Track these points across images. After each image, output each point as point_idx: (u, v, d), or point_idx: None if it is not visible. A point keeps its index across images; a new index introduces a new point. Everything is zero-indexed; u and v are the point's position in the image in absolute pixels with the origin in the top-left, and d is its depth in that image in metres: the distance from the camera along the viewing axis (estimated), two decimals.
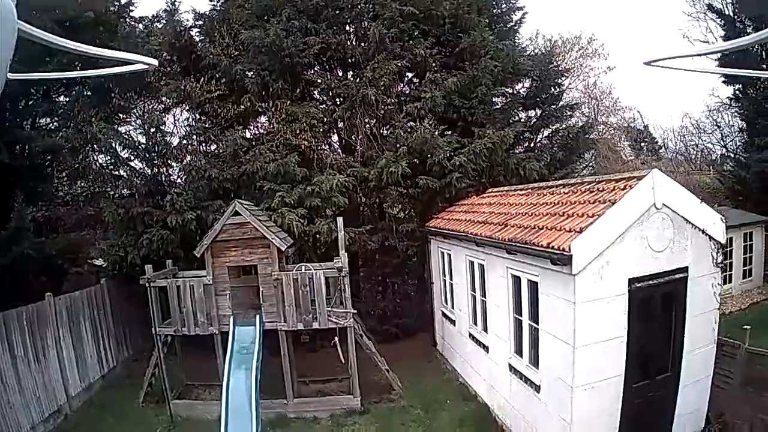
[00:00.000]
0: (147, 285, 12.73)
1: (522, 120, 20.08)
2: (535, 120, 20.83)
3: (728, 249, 18.71)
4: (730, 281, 19.16)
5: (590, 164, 27.58)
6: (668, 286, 8.77)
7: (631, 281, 8.37)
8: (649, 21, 55.00)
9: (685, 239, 8.84)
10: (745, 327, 10.13)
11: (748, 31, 25.13)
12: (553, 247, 8.29)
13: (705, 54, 4.15)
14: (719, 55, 22.24)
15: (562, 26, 54.99)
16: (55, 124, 20.08)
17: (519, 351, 10.55)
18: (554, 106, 20.89)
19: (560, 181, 12.67)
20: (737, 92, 26.35)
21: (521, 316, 10.24)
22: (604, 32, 51.61)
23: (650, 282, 8.54)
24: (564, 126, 20.80)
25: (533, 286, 9.60)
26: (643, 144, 39.36)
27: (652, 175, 8.55)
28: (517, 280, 10.31)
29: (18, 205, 15.72)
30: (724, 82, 26.80)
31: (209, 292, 12.80)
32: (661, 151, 40.64)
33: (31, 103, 18.83)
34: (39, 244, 15.92)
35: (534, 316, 9.65)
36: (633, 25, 54.35)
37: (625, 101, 36.98)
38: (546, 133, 21.26)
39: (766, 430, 9.04)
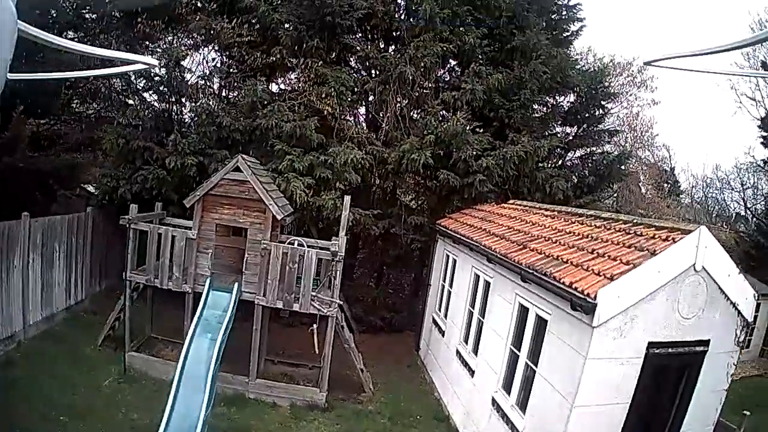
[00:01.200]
0: (127, 226, 11.84)
1: (558, 134, 19.13)
2: (571, 137, 19.75)
3: None
4: None
5: (614, 195, 26.49)
6: (685, 357, 7.87)
7: (650, 345, 7.43)
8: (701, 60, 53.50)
9: (714, 310, 7.85)
10: (745, 412, 9.63)
11: None
12: (575, 289, 7.29)
13: (705, 54, 3.20)
14: None
15: (615, 48, 53.41)
16: (75, 38, 18.38)
17: (507, 387, 9.60)
18: (594, 128, 19.83)
19: (591, 212, 11.60)
20: None
21: (519, 350, 9.31)
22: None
23: (669, 350, 7.60)
24: (600, 150, 19.93)
25: (541, 324, 8.65)
26: (665, 185, 38.21)
27: (699, 232, 7.50)
28: (524, 310, 9.36)
29: (15, 116, 14.56)
30: (762, 143, 26.21)
31: (191, 247, 11.84)
32: (681, 196, 39.73)
33: (56, 15, 17.40)
34: (31, 159, 14.98)
35: (534, 356, 8.73)
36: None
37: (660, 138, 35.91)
38: (579, 153, 20.38)
39: None
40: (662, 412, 8.13)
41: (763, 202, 29.88)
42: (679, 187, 40.32)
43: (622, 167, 19.61)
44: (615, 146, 24.39)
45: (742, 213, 33.15)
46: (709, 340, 7.89)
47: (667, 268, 7.26)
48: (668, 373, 7.88)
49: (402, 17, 16.95)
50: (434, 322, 15.05)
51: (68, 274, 14.44)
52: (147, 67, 3.44)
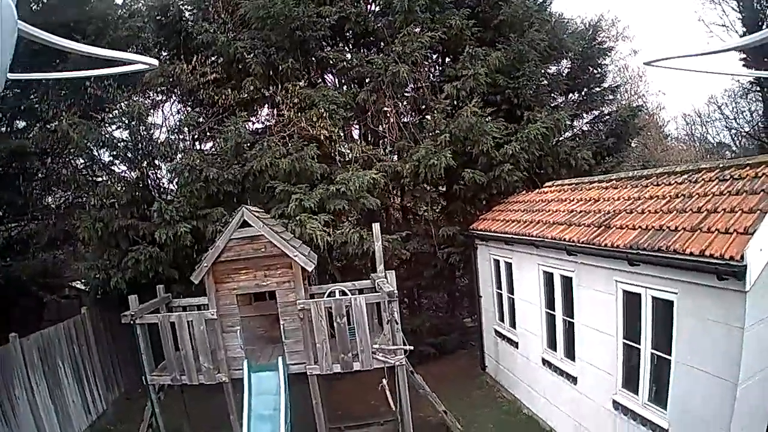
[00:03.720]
0: (131, 323, 10.13)
1: (563, 104, 17.76)
2: (577, 103, 18.46)
3: None
4: None
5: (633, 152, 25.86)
6: None
7: None
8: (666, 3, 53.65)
9: None
10: None
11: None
12: (712, 256, 6.28)
13: (704, 54, 3.24)
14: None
15: (581, 8, 53.41)
16: (22, 123, 17.67)
17: (631, 386, 8.54)
18: (597, 89, 18.55)
19: (659, 170, 10.44)
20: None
21: (639, 343, 8.14)
22: (625, 15, 50.34)
23: None
24: (609, 110, 18.75)
25: (665, 307, 7.55)
26: (652, 131, 38.13)
27: None
28: (634, 297, 8.17)
29: None
30: (744, 66, 25.22)
31: (214, 329, 10.20)
32: (666, 140, 38.95)
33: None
34: (7, 268, 13.98)
35: (661, 345, 7.73)
36: (649, 7, 52.83)
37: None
38: (588, 118, 19.07)
39: None
40: None
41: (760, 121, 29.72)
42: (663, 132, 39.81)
43: (636, 121, 18.53)
44: (620, 103, 23.67)
45: (726, 141, 33.41)
46: None
47: None
48: None
49: (377, 15, 15.69)
50: (498, 334, 13.78)
51: (80, 388, 13.09)
52: (147, 67, 3.21)
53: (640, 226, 8.08)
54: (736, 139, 32.39)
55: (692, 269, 6.64)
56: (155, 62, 3.35)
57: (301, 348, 10.06)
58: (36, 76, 4.67)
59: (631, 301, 8.26)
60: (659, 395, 7.90)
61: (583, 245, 8.98)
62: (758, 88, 26.70)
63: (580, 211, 10.32)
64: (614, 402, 8.83)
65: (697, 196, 7.87)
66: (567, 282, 10.13)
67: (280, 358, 10.08)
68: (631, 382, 8.54)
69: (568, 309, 10.20)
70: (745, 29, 26.08)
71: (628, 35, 28.93)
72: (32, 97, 16.95)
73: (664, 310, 7.55)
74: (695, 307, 6.95)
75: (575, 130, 18.23)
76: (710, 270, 6.31)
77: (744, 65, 25.47)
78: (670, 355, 7.47)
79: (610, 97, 19.39)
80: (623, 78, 28.62)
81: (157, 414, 10.41)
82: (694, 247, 6.58)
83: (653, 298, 7.71)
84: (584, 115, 18.80)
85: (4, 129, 16.91)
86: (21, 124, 17.67)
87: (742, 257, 5.94)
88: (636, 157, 25.44)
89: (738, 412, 6.42)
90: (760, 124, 29.72)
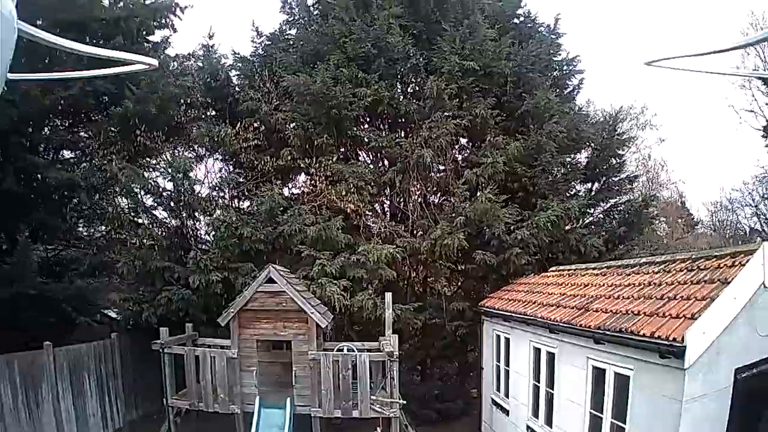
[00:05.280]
0: (160, 351, 11.89)
1: (580, 193, 18.83)
2: (594, 192, 19.32)
3: None
4: None
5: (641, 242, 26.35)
6: None
7: (737, 371, 7.49)
8: (696, 89, 54.03)
9: None
10: None
11: None
12: (659, 337, 7.28)
13: (705, 54, 3.41)
14: None
15: (611, 97, 54.00)
16: (73, 157, 18.95)
17: None
18: (614, 179, 19.38)
19: (642, 260, 11.51)
20: None
21: (602, 413, 9.13)
22: (653, 102, 50.55)
23: (754, 371, 7.61)
24: (623, 200, 19.51)
25: (623, 381, 8.58)
26: (679, 219, 38.14)
27: (763, 248, 7.62)
28: (600, 372, 9.25)
29: (21, 240, 14.67)
30: None
31: (233, 367, 11.77)
32: (696, 227, 39.41)
33: (50, 130, 17.41)
34: (43, 286, 14.54)
35: (619, 415, 8.66)
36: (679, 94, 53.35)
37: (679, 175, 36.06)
38: (604, 206, 19.79)
39: None
40: None
41: None
42: (693, 219, 39.96)
43: (649, 210, 19.26)
44: (635, 192, 24.27)
45: (757, 227, 33.00)
46: None
47: (741, 292, 7.37)
48: (761, 393, 7.72)
49: (408, 99, 16.81)
50: (494, 403, 14.65)
51: (101, 403, 14.36)
52: (147, 67, 3.28)
53: (611, 310, 8.99)
54: (765, 224, 32.21)
55: (644, 348, 7.58)
56: (155, 62, 3.46)
57: (309, 393, 11.43)
58: (36, 77, 4.57)
59: (598, 376, 9.20)
60: None
61: (565, 325, 9.94)
62: None
63: (570, 295, 11.27)
64: None
65: (664, 284, 8.78)
66: (551, 357, 11.05)
67: (288, 399, 11.35)
68: None
69: (550, 381, 11.11)
70: None
71: (655, 123, 29.44)
72: (81, 133, 18.24)
73: (622, 384, 8.48)
74: (646, 382, 7.91)
75: (591, 217, 19.05)
76: (655, 349, 7.26)
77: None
78: (626, 423, 8.35)
79: (628, 186, 20.24)
80: (646, 166, 29.06)
81: None
82: (647, 329, 7.51)
83: (615, 373, 8.65)
84: (601, 203, 19.67)
85: (50, 157, 17.76)
86: (67, 153, 18.73)
87: (682, 339, 6.82)
88: (652, 245, 25.85)
89: None
90: None
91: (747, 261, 7.51)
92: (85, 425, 13.38)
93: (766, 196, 31.47)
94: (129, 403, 15.62)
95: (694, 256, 9.39)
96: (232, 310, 11.61)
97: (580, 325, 9.37)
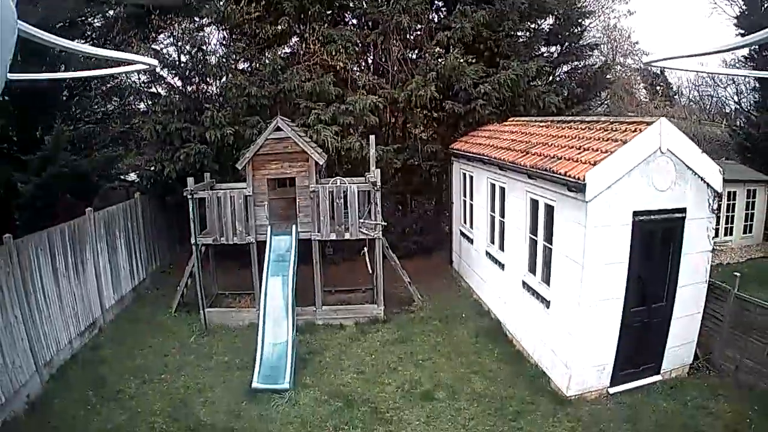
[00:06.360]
0: (189, 197, 13.18)
1: (543, 54, 20.97)
2: (556, 56, 21.60)
3: (731, 203, 19.80)
4: (731, 234, 20.26)
5: (605, 102, 28.04)
6: (667, 222, 9.65)
7: (635, 214, 9.30)
8: None
9: (685, 183, 9.57)
10: (736, 273, 10.60)
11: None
12: (570, 176, 9.23)
13: (705, 54, 3.97)
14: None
15: None
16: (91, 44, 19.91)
17: (533, 269, 11.56)
18: (575, 45, 21.62)
19: (578, 118, 13.67)
20: (753, 52, 26.54)
21: (536, 236, 11.25)
22: None
23: (651, 217, 9.44)
24: (583, 64, 21.74)
25: (549, 210, 10.62)
26: (658, 88, 39.40)
27: (660, 123, 9.26)
28: (535, 203, 11.30)
29: (56, 125, 15.83)
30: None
31: (248, 203, 13.47)
32: (675, 97, 40.82)
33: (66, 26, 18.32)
34: (74, 161, 15.92)
35: (548, 237, 10.72)
36: None
37: (645, 46, 36.49)
38: (565, 69, 22.13)
39: (750, 373, 9.85)
40: (658, 272, 9.97)
41: (751, 96, 30.89)
42: (672, 88, 41.34)
43: (608, 76, 21.71)
44: (599, 58, 26.10)
45: (738, 108, 33.76)
46: (685, 208, 9.66)
47: (636, 151, 9.12)
48: (655, 236, 9.71)
49: None
50: (462, 234, 17.00)
51: (129, 257, 15.84)
52: (147, 67, 3.44)
53: (544, 154, 10.89)
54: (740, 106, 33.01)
55: (562, 183, 9.52)
56: (155, 62, 3.57)
57: (309, 220, 13.58)
58: (36, 76, 4.38)
59: (534, 206, 11.30)
60: (546, 276, 10.86)
61: (510, 164, 11.99)
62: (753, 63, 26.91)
63: (518, 141, 13.32)
64: (523, 282, 11.86)
65: (585, 138, 10.60)
66: (502, 191, 13.22)
67: (293, 226, 13.55)
68: (532, 266, 11.55)
69: (502, 212, 13.28)
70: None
71: None
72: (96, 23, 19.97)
73: (549, 212, 10.58)
74: (564, 211, 9.93)
75: (553, 78, 21.19)
76: (566, 184, 9.32)
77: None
78: (552, 245, 10.49)
79: (588, 52, 22.31)
80: (611, 37, 30.02)
81: (198, 269, 13.78)
82: (563, 170, 9.48)
83: (545, 204, 10.76)
84: (563, 66, 21.89)
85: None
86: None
87: (584, 178, 8.77)
88: (600, 105, 27.70)
89: (586, 287, 9.28)
90: (751, 98, 30.83)
91: (645, 129, 9.15)
92: (118, 279, 14.84)
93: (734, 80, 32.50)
94: (150, 257, 17.37)
95: (612, 120, 11.01)
96: (247, 155, 13.31)
97: (522, 164, 11.29)
